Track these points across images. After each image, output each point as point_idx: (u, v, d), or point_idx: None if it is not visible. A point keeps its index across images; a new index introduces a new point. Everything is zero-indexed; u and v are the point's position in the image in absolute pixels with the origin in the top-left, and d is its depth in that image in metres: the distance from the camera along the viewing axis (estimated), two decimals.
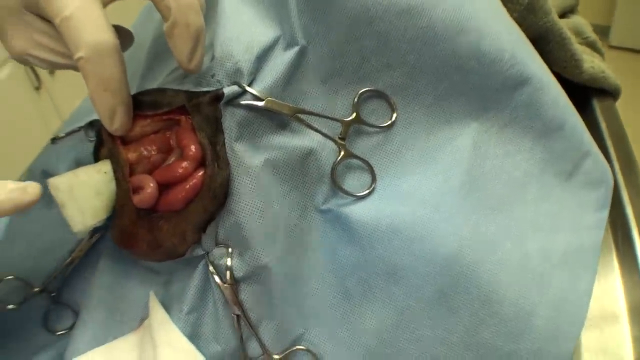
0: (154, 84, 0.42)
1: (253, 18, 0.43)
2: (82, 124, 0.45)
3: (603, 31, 3.12)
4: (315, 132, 0.41)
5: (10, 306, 0.45)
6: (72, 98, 2.02)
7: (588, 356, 0.48)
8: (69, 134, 0.46)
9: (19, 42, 0.37)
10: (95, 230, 0.44)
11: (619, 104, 0.74)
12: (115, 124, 0.37)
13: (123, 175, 0.39)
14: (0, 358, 0.46)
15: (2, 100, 1.72)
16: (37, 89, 1.82)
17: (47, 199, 0.46)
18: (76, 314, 0.46)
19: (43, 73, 1.84)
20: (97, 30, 0.34)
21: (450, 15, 0.42)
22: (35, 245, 0.46)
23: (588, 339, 0.48)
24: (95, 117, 0.44)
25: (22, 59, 0.38)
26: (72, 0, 0.33)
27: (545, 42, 0.66)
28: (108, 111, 0.36)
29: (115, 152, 0.39)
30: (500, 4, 0.50)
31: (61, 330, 0.46)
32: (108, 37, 0.34)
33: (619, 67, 0.77)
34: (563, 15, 0.80)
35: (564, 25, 0.73)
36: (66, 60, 0.38)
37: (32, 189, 0.35)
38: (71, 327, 0.46)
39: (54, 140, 0.48)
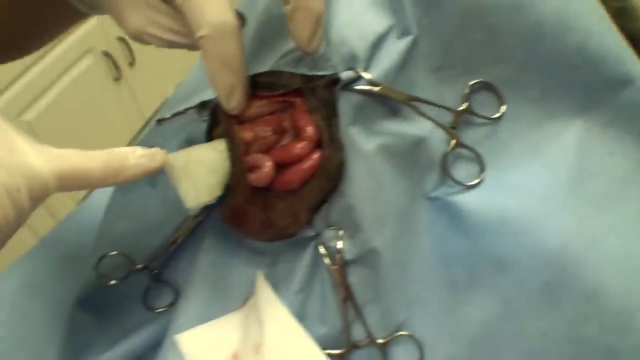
0: (262, 68, 0.43)
1: (366, 5, 0.43)
2: (190, 105, 0.46)
3: None
4: (426, 120, 0.41)
5: (113, 281, 0.46)
6: (149, 89, 2.10)
7: None
8: (174, 115, 0.48)
9: (136, 20, 0.38)
10: (202, 209, 0.44)
11: None
12: (233, 103, 0.38)
13: (238, 154, 0.39)
14: (99, 331, 0.47)
15: (83, 90, 1.78)
16: (117, 79, 1.88)
17: (151, 176, 0.47)
18: (176, 292, 0.47)
19: (123, 64, 1.90)
20: (220, 10, 0.35)
21: (559, 13, 0.42)
22: (139, 223, 0.47)
23: None
24: (205, 97, 0.45)
25: (139, 38, 0.39)
26: None
27: (635, 46, 0.65)
28: (227, 89, 0.37)
29: (230, 131, 0.40)
30: (600, 6, 0.50)
31: (160, 308, 0.47)
32: (230, 17, 0.35)
33: None
34: None
35: None
36: (184, 40, 0.39)
37: (160, 155, 0.36)
38: (170, 305, 0.46)
39: (160, 121, 0.49)
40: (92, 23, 1.81)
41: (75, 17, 0.48)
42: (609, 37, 0.44)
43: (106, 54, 1.84)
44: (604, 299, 0.40)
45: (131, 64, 1.94)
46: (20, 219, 0.31)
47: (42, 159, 0.31)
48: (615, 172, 0.45)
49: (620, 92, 0.44)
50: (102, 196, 0.51)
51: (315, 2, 0.36)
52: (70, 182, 0.33)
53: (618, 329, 0.40)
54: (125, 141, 1.98)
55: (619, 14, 0.64)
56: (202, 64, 0.39)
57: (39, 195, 0.31)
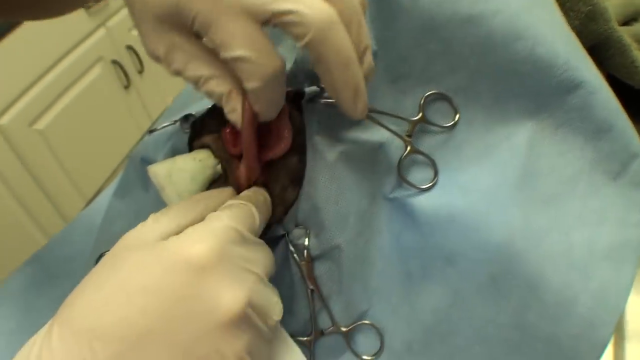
0: None
1: None
2: (177, 118, 0.51)
3: None
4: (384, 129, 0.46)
5: None
6: (158, 96, 2.15)
7: None
8: (165, 126, 0.52)
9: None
10: None
11: None
12: None
13: (231, 169, 0.44)
14: None
15: (94, 98, 1.83)
16: (127, 87, 1.93)
17: (144, 182, 0.52)
18: None
19: (132, 72, 1.95)
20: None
21: (508, 24, 0.45)
22: (134, 224, 0.52)
23: (633, 351, 0.50)
24: (188, 111, 0.50)
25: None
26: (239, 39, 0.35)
27: (606, 48, 0.68)
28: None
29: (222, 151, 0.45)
30: (559, 14, 0.53)
31: None
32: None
33: None
34: (627, 22, 0.82)
35: (626, 32, 0.75)
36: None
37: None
38: None
39: (151, 131, 0.54)
40: (101, 33, 1.87)
41: None
42: (558, 43, 0.47)
43: (115, 63, 1.89)
44: (544, 291, 0.44)
45: (140, 71, 1.99)
46: None
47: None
48: (564, 172, 0.48)
49: (570, 96, 0.47)
50: (106, 199, 0.56)
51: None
52: None
53: (557, 318, 0.44)
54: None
55: (590, 17, 0.67)
56: None
57: None
